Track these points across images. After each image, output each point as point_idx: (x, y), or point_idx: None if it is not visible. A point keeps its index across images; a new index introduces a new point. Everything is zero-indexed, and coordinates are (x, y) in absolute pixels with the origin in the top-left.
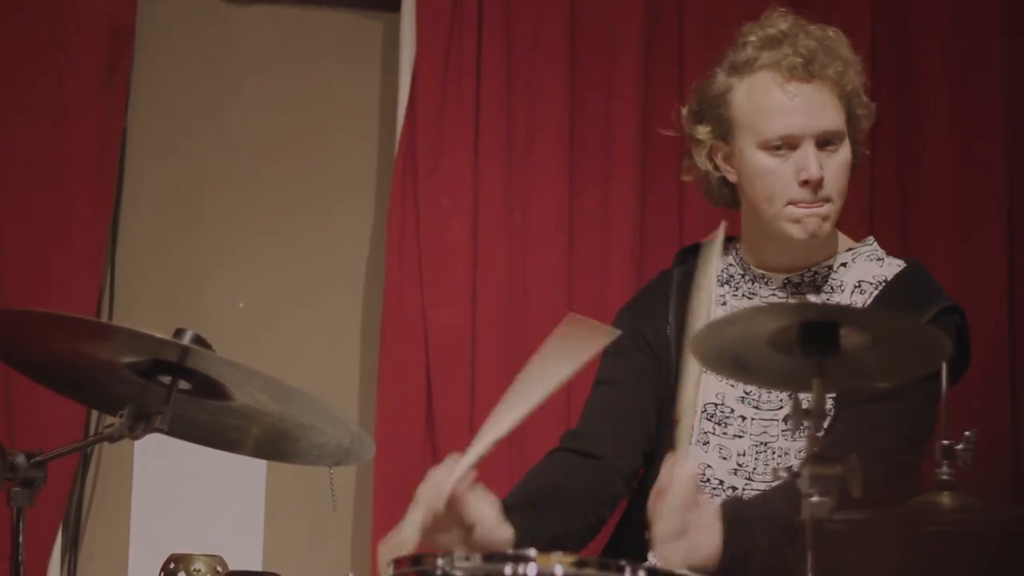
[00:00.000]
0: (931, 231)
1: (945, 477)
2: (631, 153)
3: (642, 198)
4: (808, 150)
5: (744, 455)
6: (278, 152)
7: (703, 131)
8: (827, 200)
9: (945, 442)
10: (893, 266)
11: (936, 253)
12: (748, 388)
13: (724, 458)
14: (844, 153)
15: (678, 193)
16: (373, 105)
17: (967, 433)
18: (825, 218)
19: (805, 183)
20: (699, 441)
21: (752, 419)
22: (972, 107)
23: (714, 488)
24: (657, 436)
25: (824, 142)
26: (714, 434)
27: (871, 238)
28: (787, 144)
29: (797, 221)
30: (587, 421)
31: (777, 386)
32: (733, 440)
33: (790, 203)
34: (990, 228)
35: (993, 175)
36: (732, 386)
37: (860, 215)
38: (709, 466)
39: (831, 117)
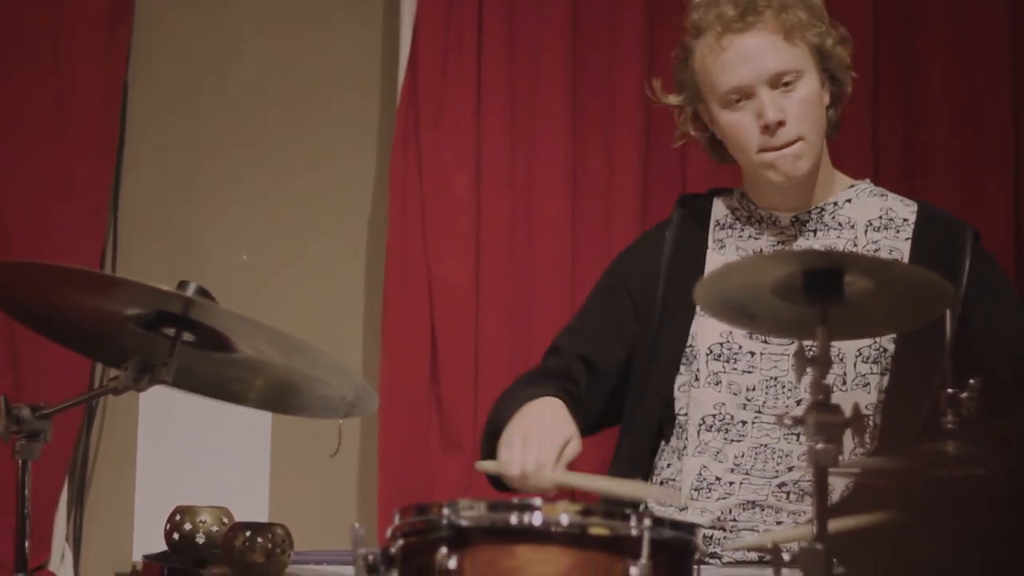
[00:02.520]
0: (936, 187)
1: (950, 426)
2: (634, 106)
3: (645, 151)
4: (763, 95)
5: (754, 390)
6: (280, 106)
7: (677, 100)
8: (796, 139)
9: (950, 391)
10: (903, 203)
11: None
12: None
13: (734, 393)
14: (804, 88)
15: (681, 146)
16: (375, 59)
17: (971, 381)
18: (798, 157)
19: (766, 128)
20: (710, 382)
21: (762, 354)
22: (977, 60)
23: (725, 424)
24: (632, 383)
25: (778, 83)
26: (724, 372)
27: (867, 180)
28: (742, 95)
29: (770, 166)
30: (567, 358)
31: (782, 334)
32: (743, 376)
33: (761, 150)
34: (993, 186)
35: (999, 129)
36: None
37: (865, 173)
38: (723, 404)
39: (775, 58)
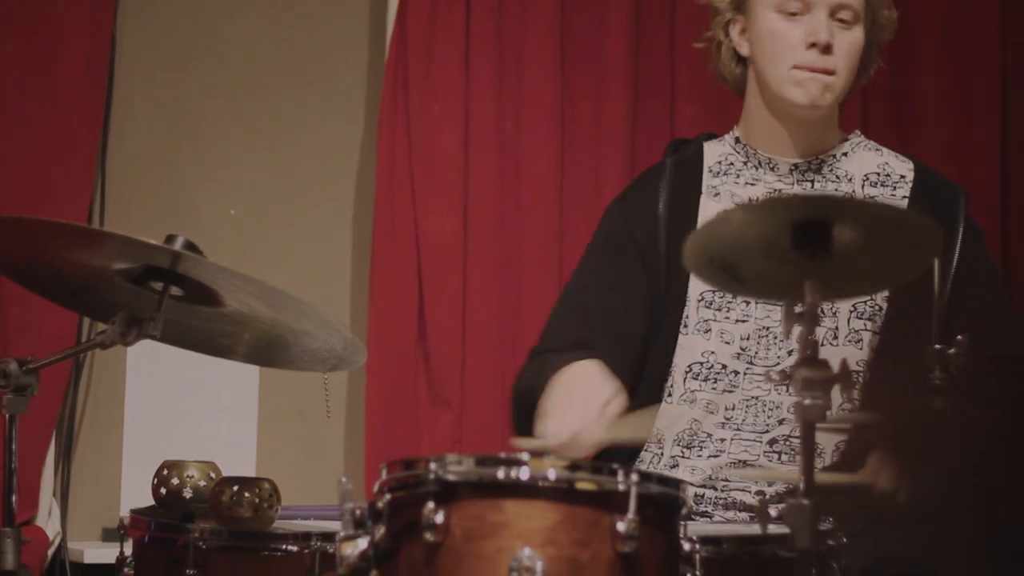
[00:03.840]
0: (924, 134)
1: (937, 382)
2: (623, 62)
3: (633, 108)
4: (820, 16)
5: (748, 339)
6: (269, 61)
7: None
8: (832, 71)
9: (937, 347)
10: (898, 159)
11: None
12: None
13: (727, 342)
14: (857, 34)
15: (669, 102)
16: (363, 14)
17: (959, 338)
18: (827, 87)
19: (812, 46)
20: (699, 329)
21: (756, 303)
22: (966, 6)
23: (717, 373)
24: (648, 335)
25: (835, 15)
26: (715, 320)
27: (857, 131)
28: (801, 9)
29: (799, 84)
30: (585, 324)
31: (771, 296)
32: (736, 325)
33: (795, 66)
34: (979, 137)
35: (987, 81)
36: None
37: (853, 120)
38: (712, 352)
39: None
